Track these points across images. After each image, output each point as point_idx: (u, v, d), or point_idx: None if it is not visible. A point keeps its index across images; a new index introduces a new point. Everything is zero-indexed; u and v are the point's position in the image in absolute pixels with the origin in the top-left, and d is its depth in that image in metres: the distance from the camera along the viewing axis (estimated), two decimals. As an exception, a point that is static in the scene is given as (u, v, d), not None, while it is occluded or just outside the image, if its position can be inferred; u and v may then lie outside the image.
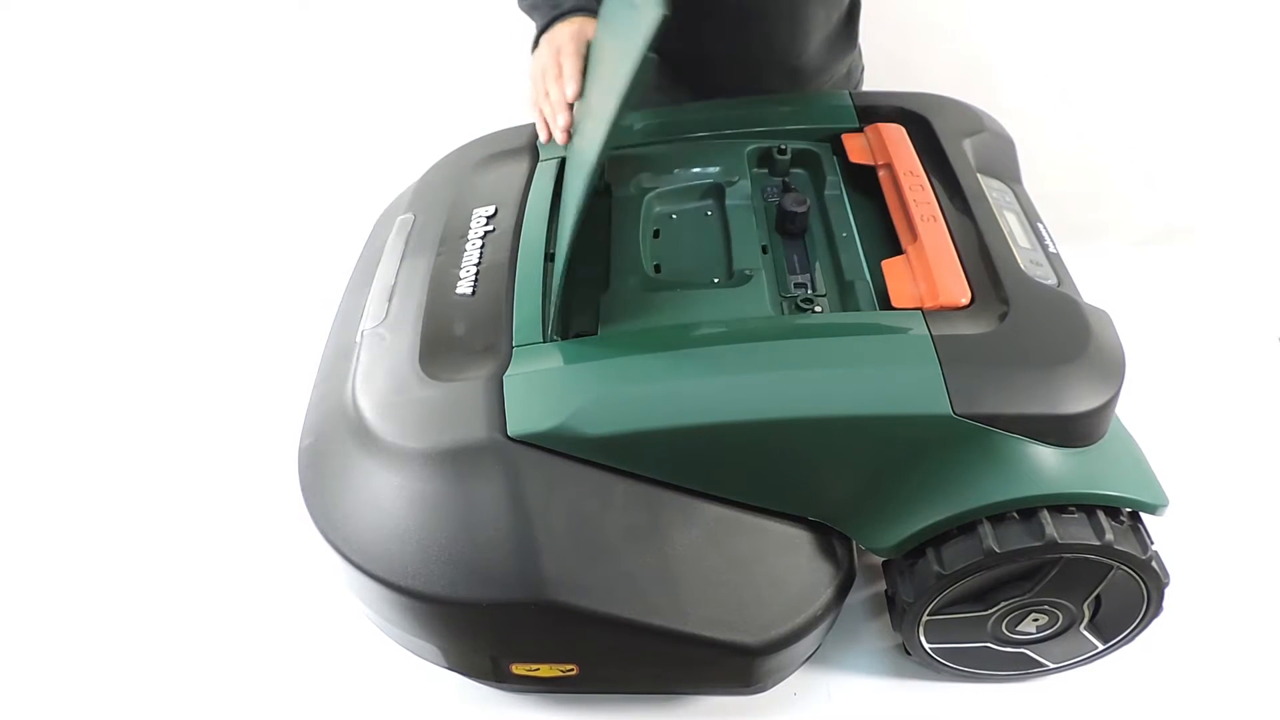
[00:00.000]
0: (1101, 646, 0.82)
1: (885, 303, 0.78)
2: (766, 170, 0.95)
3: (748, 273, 0.82)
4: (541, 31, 0.95)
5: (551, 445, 0.69)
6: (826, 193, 0.91)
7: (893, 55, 1.16)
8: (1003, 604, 0.76)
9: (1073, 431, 0.70)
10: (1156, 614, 0.77)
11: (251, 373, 1.21)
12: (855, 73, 1.14)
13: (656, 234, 0.90)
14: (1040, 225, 0.87)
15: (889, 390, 0.69)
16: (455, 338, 0.78)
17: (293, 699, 0.88)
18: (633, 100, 0.68)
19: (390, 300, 0.84)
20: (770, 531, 0.74)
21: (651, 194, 0.91)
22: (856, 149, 0.93)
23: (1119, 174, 1.53)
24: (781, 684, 0.81)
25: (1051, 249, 0.84)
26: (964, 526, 0.72)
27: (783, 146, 0.94)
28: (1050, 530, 0.69)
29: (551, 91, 0.87)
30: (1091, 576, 0.74)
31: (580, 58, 0.88)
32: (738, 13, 1.01)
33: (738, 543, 0.73)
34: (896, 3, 1.11)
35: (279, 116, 1.79)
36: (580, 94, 0.87)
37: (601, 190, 0.93)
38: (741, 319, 0.76)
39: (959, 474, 0.70)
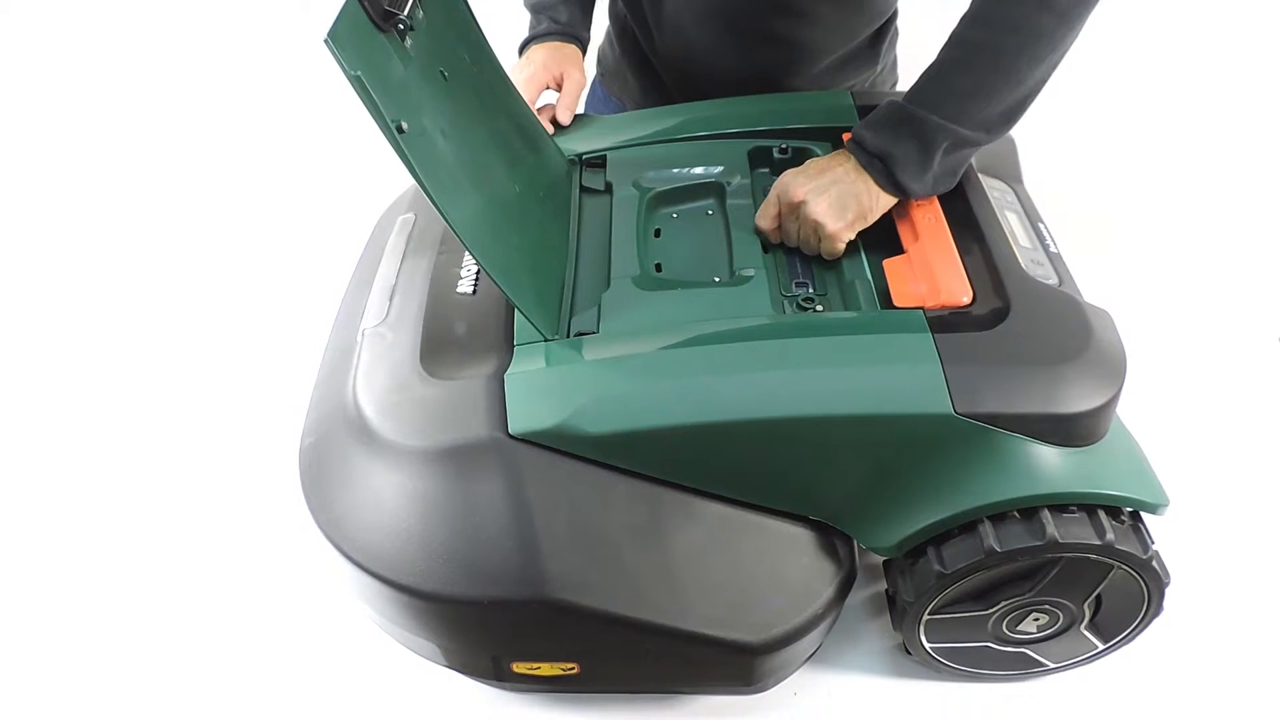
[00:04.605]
0: (1102, 646, 0.82)
1: (886, 302, 0.79)
2: (767, 170, 0.95)
3: (749, 272, 0.82)
4: (521, 50, 1.04)
5: (553, 443, 0.69)
6: (827, 192, 0.91)
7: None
8: (1003, 603, 0.76)
9: (1074, 431, 0.70)
10: (1157, 614, 0.77)
11: (252, 373, 1.21)
12: (880, 88, 1.13)
13: (657, 233, 0.90)
14: (1041, 225, 0.87)
15: (890, 389, 0.69)
16: (456, 336, 0.78)
17: (293, 699, 0.88)
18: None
19: (391, 299, 0.85)
20: (771, 530, 0.74)
21: (652, 193, 0.91)
22: (857, 149, 0.93)
23: (1119, 174, 1.53)
24: (782, 684, 0.81)
25: (1052, 249, 0.84)
26: (965, 526, 0.72)
27: (783, 146, 0.94)
28: (1051, 530, 0.69)
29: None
30: (1092, 576, 0.74)
31: (532, 101, 0.97)
32: (729, 31, 1.01)
33: (739, 541, 0.73)
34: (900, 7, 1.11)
35: (280, 117, 1.79)
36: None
37: (602, 190, 0.93)
38: (742, 318, 0.76)
39: (960, 473, 0.70)
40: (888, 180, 0.80)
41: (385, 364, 0.77)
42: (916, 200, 0.82)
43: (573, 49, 1.03)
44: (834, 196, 0.81)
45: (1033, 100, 0.79)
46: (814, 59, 1.03)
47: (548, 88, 1.01)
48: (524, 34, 1.06)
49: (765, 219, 0.85)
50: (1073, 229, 1.02)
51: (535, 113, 0.96)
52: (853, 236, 0.83)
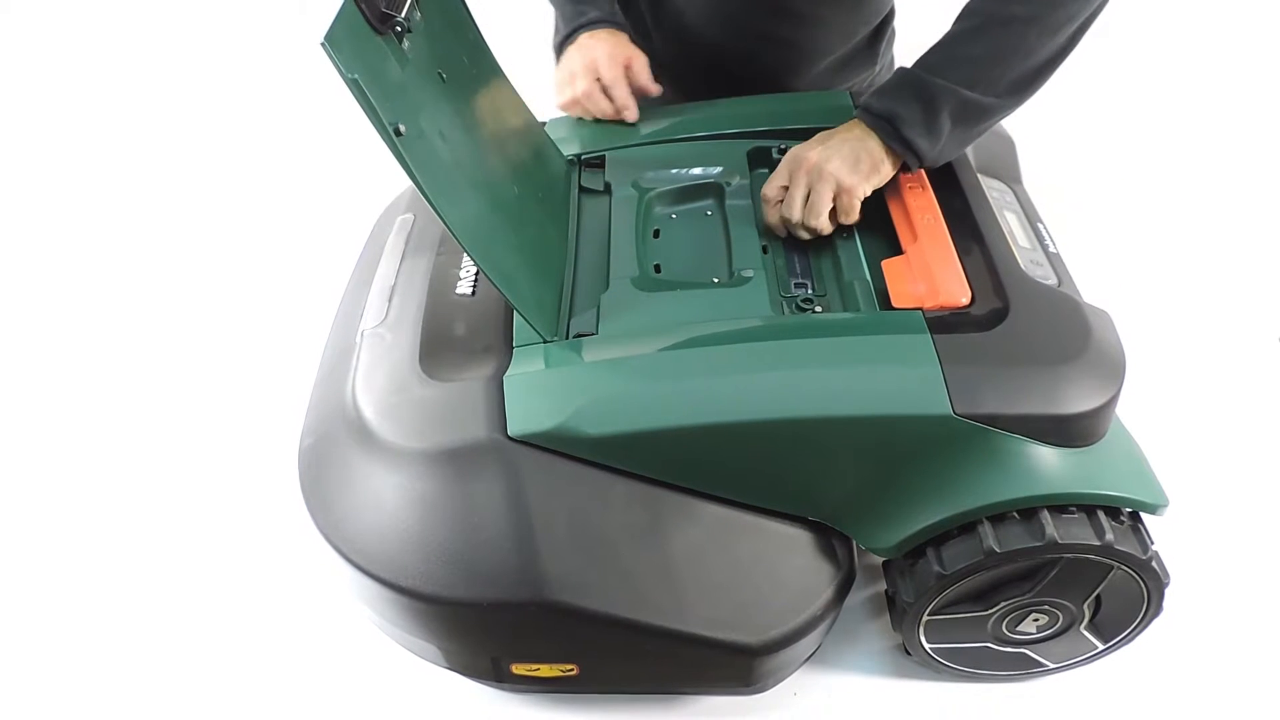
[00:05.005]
0: (1101, 646, 0.82)
1: (885, 302, 0.78)
2: (766, 170, 0.95)
3: (747, 273, 0.82)
4: (568, 37, 0.99)
5: (552, 445, 0.69)
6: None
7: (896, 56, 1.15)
8: (1003, 604, 0.76)
9: (1073, 431, 0.70)
10: (1156, 614, 0.77)
11: (252, 373, 1.21)
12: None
13: (656, 234, 0.90)
14: (1040, 225, 0.87)
15: (889, 390, 0.69)
16: (455, 338, 0.78)
17: (293, 699, 0.88)
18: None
19: (390, 300, 0.84)
20: (770, 531, 0.74)
21: (651, 194, 0.91)
22: (856, 149, 0.93)
23: (1118, 174, 1.53)
24: (781, 684, 0.81)
25: (1052, 249, 0.84)
26: (964, 526, 0.72)
27: (783, 146, 0.94)
28: (1051, 530, 0.69)
29: (607, 114, 0.97)
30: (1092, 576, 0.74)
31: (624, 84, 0.95)
32: (728, 32, 1.01)
33: (738, 543, 0.73)
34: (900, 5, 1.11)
35: (279, 117, 1.79)
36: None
37: (601, 190, 0.93)
38: (741, 319, 0.76)
39: (959, 474, 0.70)
40: (896, 139, 0.81)
41: (384, 365, 0.77)
42: (926, 164, 0.83)
43: (624, 35, 1.01)
44: (847, 152, 0.82)
45: (1048, 74, 0.79)
46: (813, 59, 1.03)
47: None
48: (524, 34, 1.05)
49: (772, 188, 0.85)
50: (1072, 229, 1.02)
51: (626, 85, 0.96)
52: (868, 193, 0.83)
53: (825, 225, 0.83)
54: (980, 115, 0.80)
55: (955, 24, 0.80)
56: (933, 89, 0.78)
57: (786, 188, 0.84)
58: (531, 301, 0.75)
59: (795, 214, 0.83)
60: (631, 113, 0.97)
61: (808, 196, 0.82)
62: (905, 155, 0.81)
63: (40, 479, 1.11)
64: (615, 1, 1.03)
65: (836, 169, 0.81)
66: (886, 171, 0.83)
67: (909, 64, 0.83)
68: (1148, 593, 0.75)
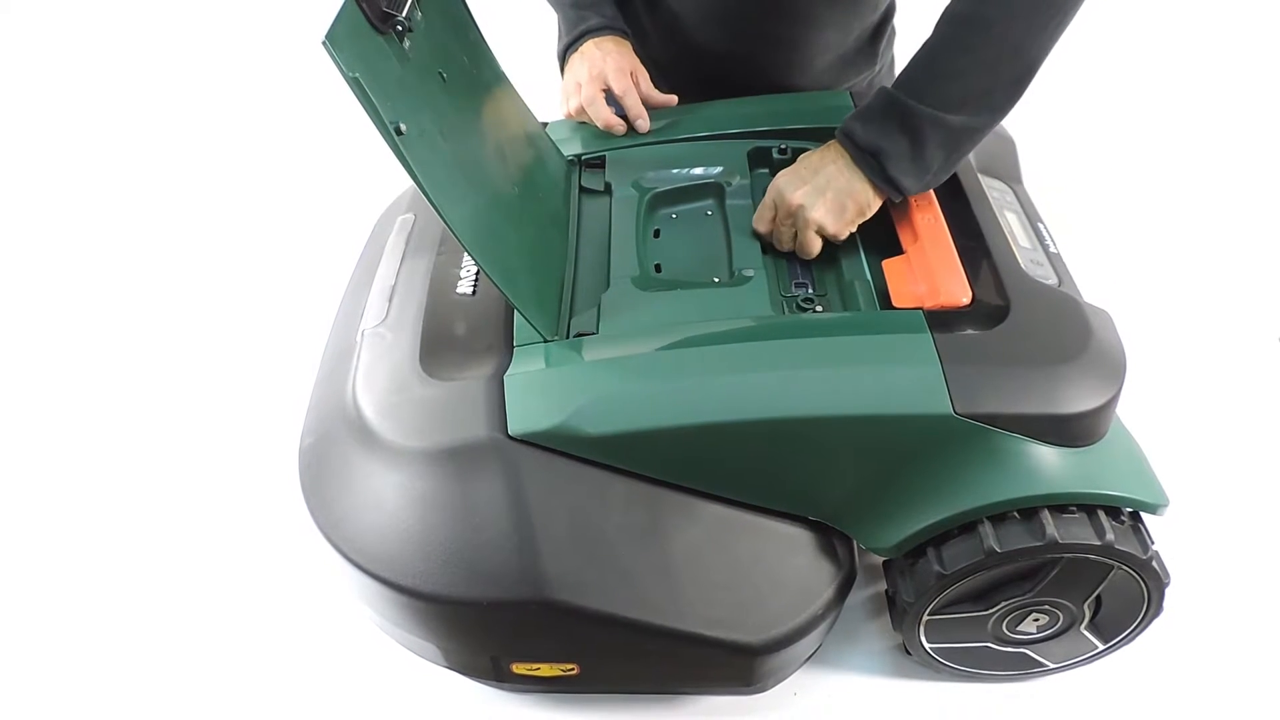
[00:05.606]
0: (1102, 646, 0.82)
1: (886, 302, 0.79)
2: (766, 171, 0.95)
3: (748, 272, 0.82)
4: (572, 45, 0.98)
5: (552, 444, 0.69)
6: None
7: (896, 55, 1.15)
8: (1003, 604, 0.76)
9: (1073, 431, 0.70)
10: (1157, 614, 0.77)
11: (252, 373, 1.22)
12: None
13: (657, 233, 0.90)
14: (1041, 225, 0.87)
15: (889, 389, 0.69)
16: (456, 337, 0.78)
17: (293, 699, 0.88)
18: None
19: (391, 300, 0.85)
20: (771, 531, 0.74)
21: (652, 194, 0.91)
22: (857, 149, 0.93)
23: (1119, 173, 1.53)
24: (782, 684, 0.81)
25: (1052, 249, 0.84)
26: (965, 526, 0.72)
27: (782, 146, 0.94)
28: (1051, 530, 0.69)
29: (614, 129, 0.95)
30: (1092, 576, 0.74)
31: (635, 94, 0.95)
32: (727, 32, 1.01)
33: (738, 542, 0.73)
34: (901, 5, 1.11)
35: (280, 116, 1.80)
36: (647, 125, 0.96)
37: (602, 190, 0.93)
38: (742, 318, 0.76)
39: (959, 474, 0.70)
40: (881, 177, 0.79)
41: (385, 365, 0.77)
42: (912, 196, 0.82)
43: (628, 43, 1.00)
44: (830, 198, 0.80)
45: (1035, 72, 0.75)
46: (812, 59, 1.03)
47: None
48: (524, 35, 1.05)
49: (763, 223, 0.85)
50: (1072, 229, 1.02)
51: (636, 95, 0.95)
52: (854, 229, 0.83)
53: (816, 252, 0.84)
54: (969, 138, 0.78)
55: (935, 30, 0.77)
56: (919, 119, 0.75)
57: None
58: (532, 300, 0.75)
59: (784, 249, 0.84)
60: (644, 122, 0.96)
61: (794, 235, 0.83)
62: (890, 192, 0.80)
63: (41, 479, 1.11)
64: (616, 6, 1.02)
65: (821, 218, 0.80)
66: (874, 208, 0.81)
67: (897, 72, 0.81)
68: (1148, 593, 0.75)
